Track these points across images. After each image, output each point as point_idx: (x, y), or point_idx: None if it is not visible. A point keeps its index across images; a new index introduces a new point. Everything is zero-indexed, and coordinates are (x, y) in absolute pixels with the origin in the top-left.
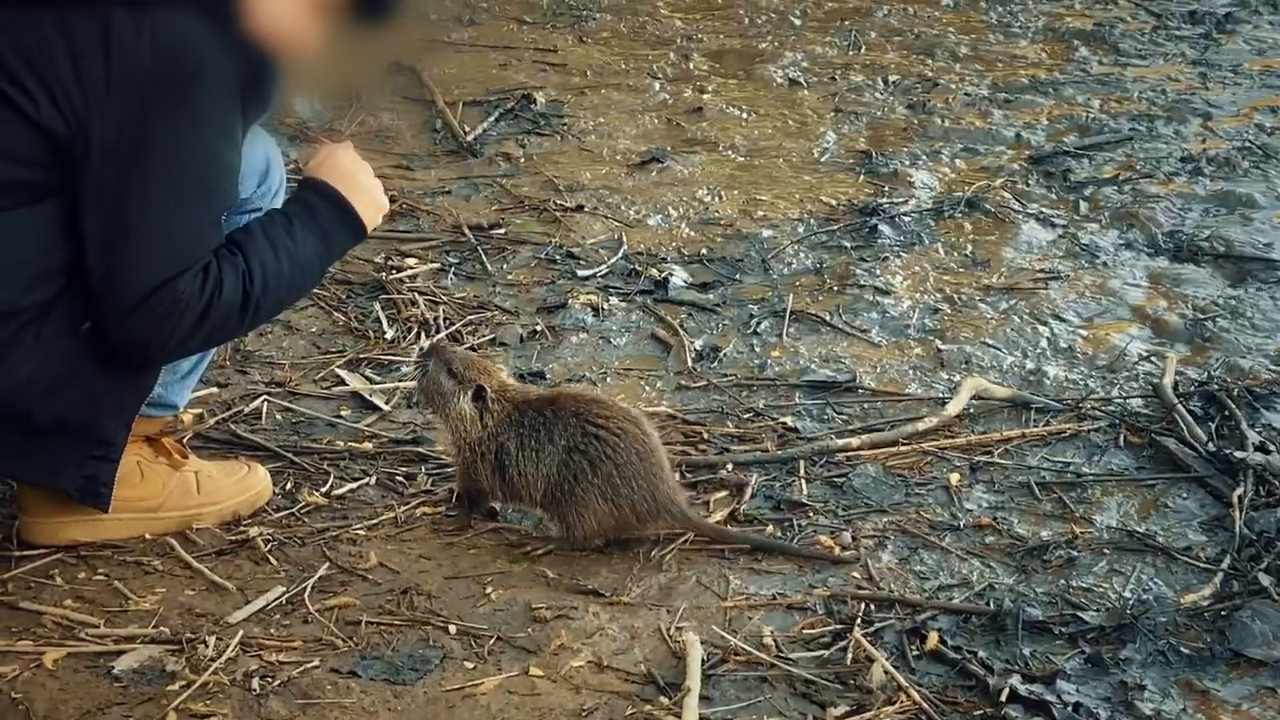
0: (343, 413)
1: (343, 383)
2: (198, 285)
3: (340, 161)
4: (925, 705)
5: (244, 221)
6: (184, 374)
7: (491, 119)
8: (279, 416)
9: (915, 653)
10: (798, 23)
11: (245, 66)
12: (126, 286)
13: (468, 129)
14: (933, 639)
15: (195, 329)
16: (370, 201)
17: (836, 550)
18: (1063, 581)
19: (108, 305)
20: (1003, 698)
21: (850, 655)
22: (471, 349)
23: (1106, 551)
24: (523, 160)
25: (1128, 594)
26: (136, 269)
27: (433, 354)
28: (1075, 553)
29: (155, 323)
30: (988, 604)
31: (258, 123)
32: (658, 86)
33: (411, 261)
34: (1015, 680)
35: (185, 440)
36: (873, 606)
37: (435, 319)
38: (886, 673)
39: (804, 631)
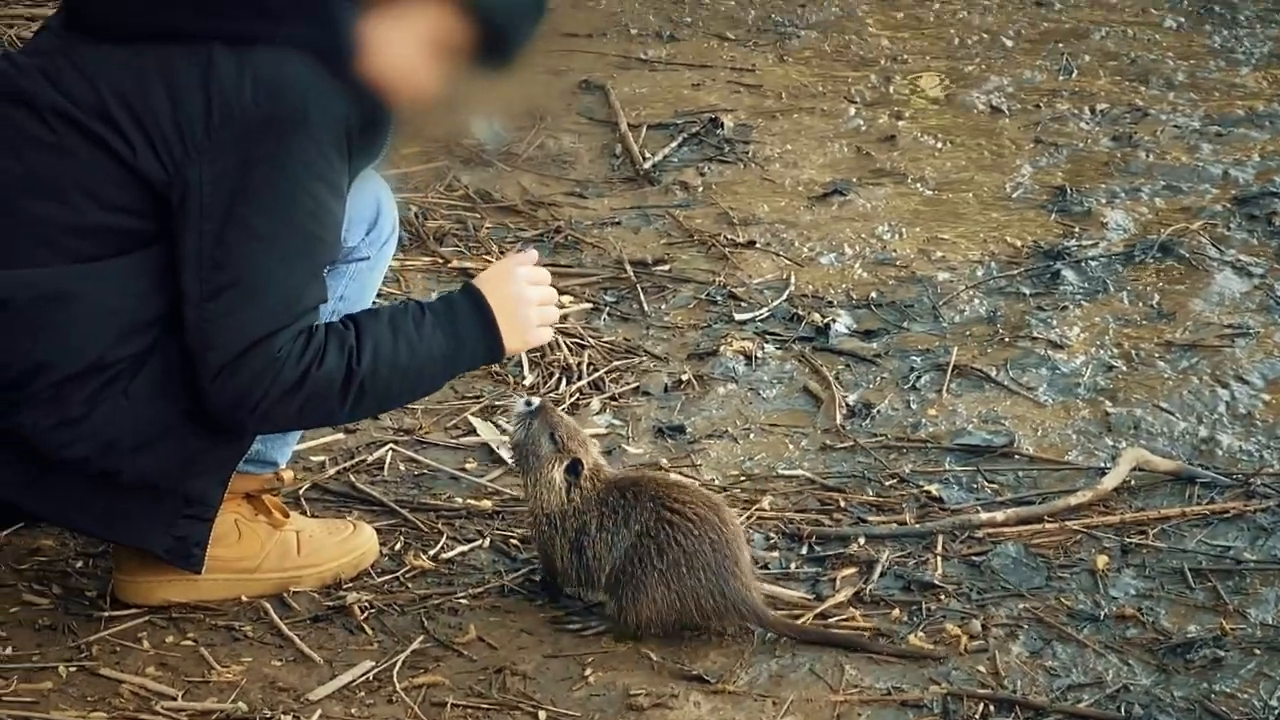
0: (468, 465)
1: (473, 431)
2: (297, 348)
3: (509, 278)
4: None
5: (349, 271)
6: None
7: (675, 144)
8: (402, 467)
9: None
10: (1009, 44)
11: (355, 111)
12: (221, 341)
13: (648, 154)
14: None
15: (289, 395)
16: (519, 330)
17: (964, 639)
18: (1205, 685)
19: (201, 361)
20: None
21: None
22: (612, 398)
23: (1258, 651)
24: (700, 190)
25: (1275, 702)
26: (232, 324)
27: (540, 414)
28: (1223, 652)
29: (248, 382)
30: (1119, 709)
31: (370, 167)
32: (853, 111)
33: (566, 300)
34: None
35: (301, 491)
36: (992, 708)
37: (579, 364)
38: None
39: None
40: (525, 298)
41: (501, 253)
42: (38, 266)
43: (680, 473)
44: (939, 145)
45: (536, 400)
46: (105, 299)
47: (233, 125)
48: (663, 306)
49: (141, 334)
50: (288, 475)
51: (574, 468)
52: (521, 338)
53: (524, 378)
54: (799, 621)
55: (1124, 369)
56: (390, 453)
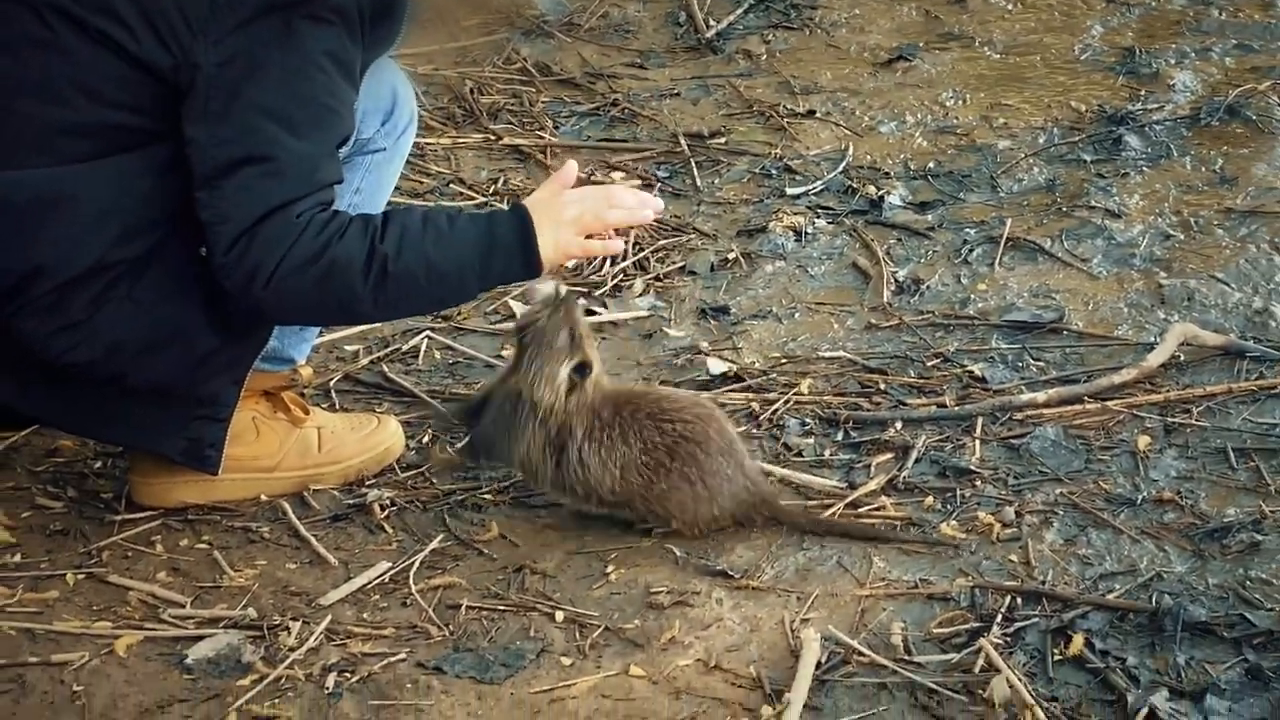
0: (504, 351)
1: (513, 316)
2: (319, 219)
3: (553, 192)
4: None
5: (365, 163)
6: (302, 326)
7: (740, 10)
8: (438, 355)
9: (1057, 657)
10: None
11: None
12: (238, 213)
13: (713, 22)
14: (1077, 642)
15: (307, 266)
16: (554, 241)
17: (996, 528)
18: (1240, 571)
19: (216, 235)
20: (1140, 718)
21: (980, 661)
22: (656, 278)
23: None
24: (763, 58)
25: None
26: (248, 195)
27: (565, 305)
28: (1260, 536)
29: (265, 249)
30: (1149, 599)
31: (387, 54)
32: None
33: (617, 175)
34: (1159, 697)
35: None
36: (1019, 600)
37: (626, 244)
38: (1011, 687)
39: (938, 629)
40: (562, 206)
41: (556, 127)
42: (35, 168)
43: (720, 356)
44: (1009, 6)
45: (565, 289)
46: (105, 199)
47: (240, 7)
48: (716, 181)
49: (144, 235)
50: (306, 372)
51: (582, 369)
52: (558, 245)
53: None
54: (828, 513)
55: (1181, 238)
56: (426, 340)
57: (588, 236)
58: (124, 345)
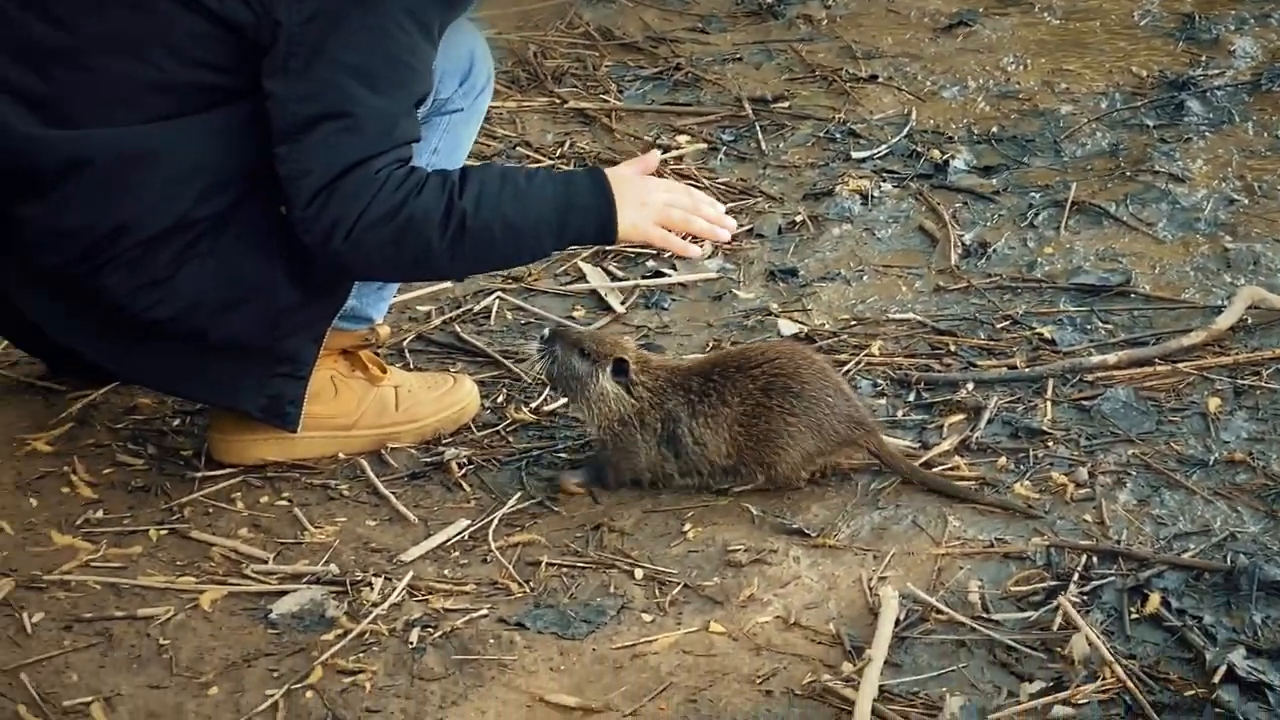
0: (576, 312)
1: (583, 277)
2: (398, 174)
3: (636, 172)
4: (1130, 684)
5: (443, 123)
6: (380, 284)
7: None
8: (509, 316)
9: (1134, 616)
10: None
11: None
12: (319, 167)
13: None
14: (1154, 601)
15: (385, 221)
16: (635, 217)
17: (1070, 488)
18: None
19: (296, 189)
20: (1217, 678)
21: (1059, 619)
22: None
23: None
24: (824, 22)
25: None
26: (329, 150)
27: (557, 338)
28: None
29: (345, 203)
30: (1224, 558)
31: (465, 15)
32: None
33: (682, 139)
34: (1237, 655)
35: (406, 343)
36: (1095, 559)
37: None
38: (1091, 644)
39: (1015, 587)
40: (649, 188)
41: (620, 91)
42: (118, 126)
43: (790, 317)
44: None
45: (546, 329)
46: (187, 157)
47: None
48: (780, 145)
49: (225, 191)
50: (384, 331)
51: (619, 367)
52: (637, 223)
53: None
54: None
55: (1245, 203)
56: (498, 301)
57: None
58: (205, 302)
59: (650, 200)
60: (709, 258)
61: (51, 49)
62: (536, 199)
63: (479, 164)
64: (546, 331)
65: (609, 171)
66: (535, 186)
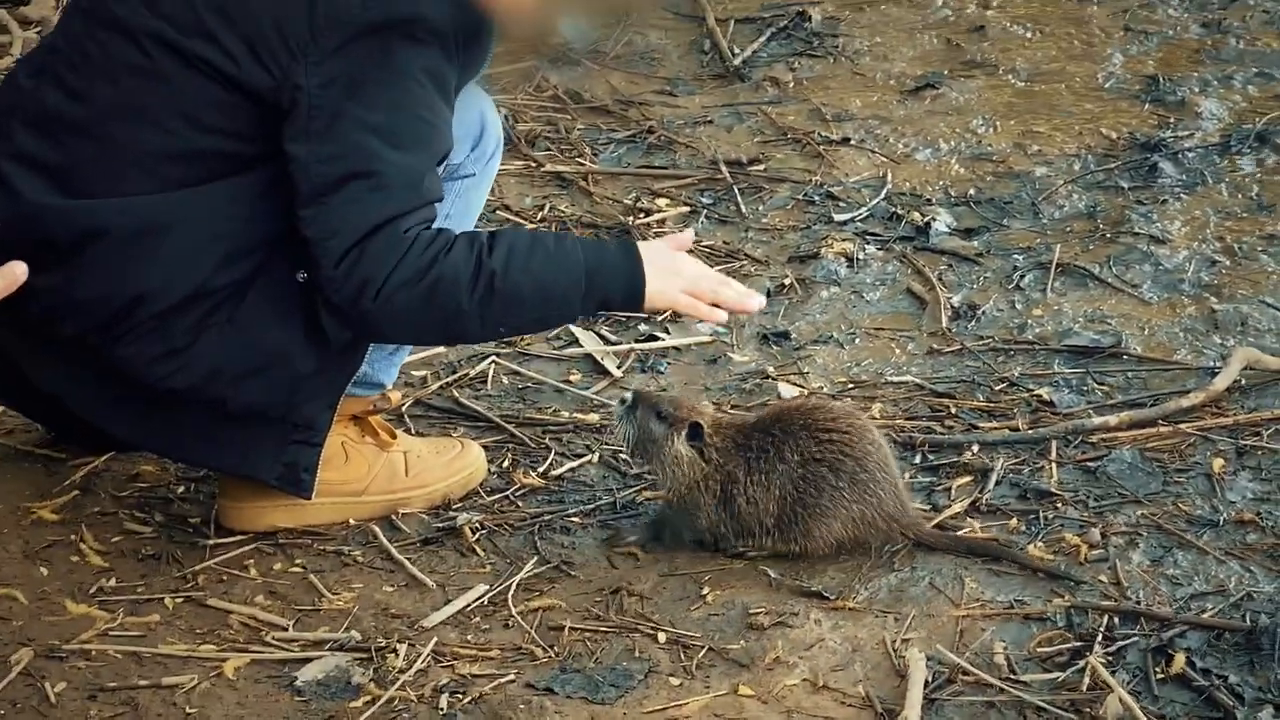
0: (572, 377)
1: (576, 342)
2: (425, 236)
3: (668, 246)
4: None
5: (455, 189)
6: (392, 350)
7: (763, 38)
8: (505, 381)
9: (1159, 675)
10: None
11: (461, 20)
12: (347, 227)
13: (737, 50)
14: (1179, 661)
15: (416, 280)
16: (663, 284)
17: (1084, 549)
18: None
19: (323, 250)
20: None
21: (1087, 680)
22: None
23: None
24: (791, 85)
25: None
26: (356, 209)
27: (638, 402)
28: None
29: (374, 263)
30: (1243, 618)
31: (473, 82)
32: (940, 1)
33: (662, 202)
34: (1266, 714)
35: (405, 407)
36: (1116, 620)
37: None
38: (1124, 705)
39: (1039, 648)
40: (680, 260)
41: (595, 154)
42: (134, 195)
43: (787, 380)
44: (1028, 34)
45: (629, 393)
46: (205, 225)
47: (341, 29)
48: (760, 208)
49: (244, 260)
50: (395, 396)
51: (694, 432)
52: (665, 289)
53: None
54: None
55: (1227, 264)
56: (492, 365)
57: None
58: (224, 370)
59: (679, 269)
60: (701, 322)
61: (66, 118)
62: (565, 260)
63: (508, 226)
64: (629, 395)
65: (640, 244)
66: (564, 248)
